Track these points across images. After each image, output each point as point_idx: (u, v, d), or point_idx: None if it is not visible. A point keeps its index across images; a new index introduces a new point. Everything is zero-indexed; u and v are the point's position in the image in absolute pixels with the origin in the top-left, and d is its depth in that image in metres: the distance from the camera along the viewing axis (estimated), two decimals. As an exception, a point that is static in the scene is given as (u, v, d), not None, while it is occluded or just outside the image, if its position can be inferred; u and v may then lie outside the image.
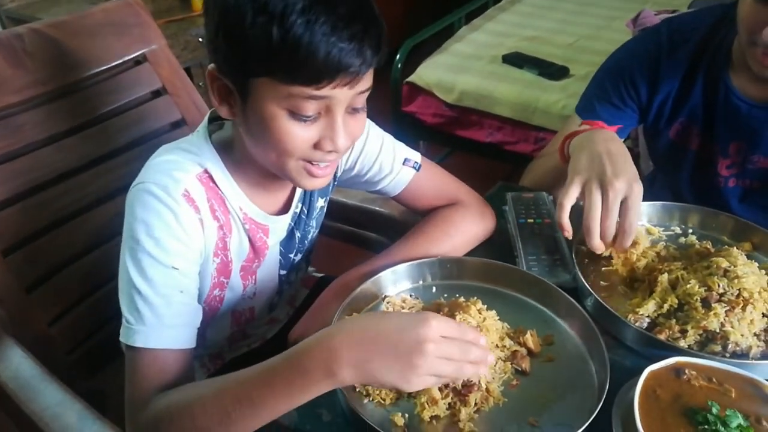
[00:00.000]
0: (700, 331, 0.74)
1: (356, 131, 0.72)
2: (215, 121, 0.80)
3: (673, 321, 0.76)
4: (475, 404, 0.67)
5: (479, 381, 0.67)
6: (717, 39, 1.00)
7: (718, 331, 0.73)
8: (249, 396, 0.61)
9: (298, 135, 0.67)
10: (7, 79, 0.93)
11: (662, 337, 0.74)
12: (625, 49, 1.11)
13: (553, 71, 2.26)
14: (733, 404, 0.63)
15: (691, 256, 0.87)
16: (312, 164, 0.71)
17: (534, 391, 0.70)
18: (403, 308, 0.80)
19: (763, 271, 0.81)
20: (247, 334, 0.98)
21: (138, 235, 0.68)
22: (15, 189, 0.92)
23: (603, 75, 1.11)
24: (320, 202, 0.93)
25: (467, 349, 0.61)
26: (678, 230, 0.96)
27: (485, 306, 0.76)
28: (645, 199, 0.83)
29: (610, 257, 0.88)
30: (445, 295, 0.83)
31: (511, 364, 0.72)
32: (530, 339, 0.74)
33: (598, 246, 0.82)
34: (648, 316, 0.78)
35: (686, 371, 0.66)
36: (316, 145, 0.69)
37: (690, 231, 0.95)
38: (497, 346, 0.73)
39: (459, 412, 0.66)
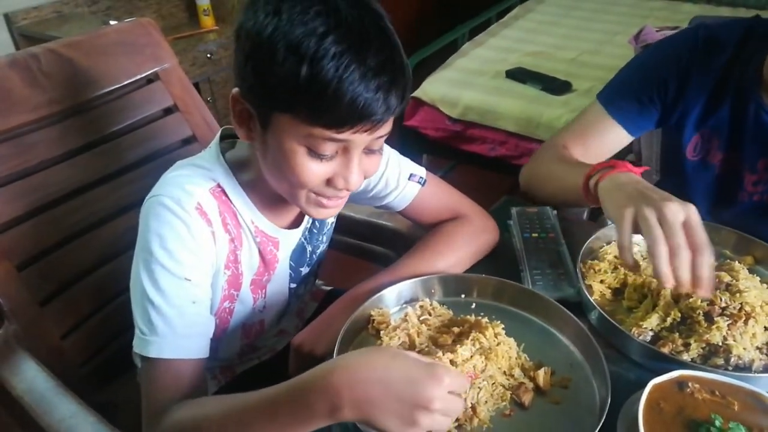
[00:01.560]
0: (703, 345, 0.75)
1: (370, 170, 0.73)
2: (227, 138, 0.82)
3: (677, 334, 0.77)
4: (457, 419, 0.66)
5: (465, 399, 0.66)
6: (746, 54, 0.99)
7: (720, 344, 0.74)
8: (251, 425, 0.61)
9: (313, 171, 0.68)
10: (24, 98, 0.95)
11: (665, 350, 0.75)
12: (659, 47, 1.09)
13: (556, 86, 2.29)
14: (736, 417, 0.64)
15: (694, 270, 0.88)
16: (323, 197, 0.72)
17: (525, 425, 0.69)
18: (431, 315, 0.80)
19: (765, 285, 0.82)
20: (256, 346, 1.00)
21: (151, 247, 0.70)
22: (30, 205, 0.94)
23: (633, 69, 1.10)
24: (330, 218, 0.95)
25: (460, 408, 0.60)
26: None
27: (503, 330, 0.76)
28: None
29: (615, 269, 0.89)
30: (481, 313, 0.82)
31: (512, 394, 0.71)
32: (541, 376, 0.72)
33: (663, 271, 0.71)
34: (651, 330, 0.79)
35: (689, 384, 0.67)
36: (329, 182, 0.70)
37: None
38: (504, 373, 0.73)
39: None
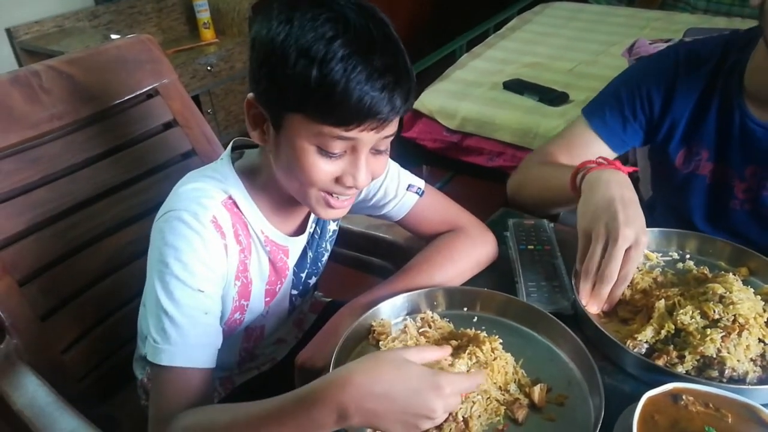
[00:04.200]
0: (698, 357, 0.75)
1: (377, 170, 0.76)
2: (237, 149, 0.85)
3: (671, 347, 0.77)
4: None
5: (456, 413, 0.68)
6: (728, 64, 1.02)
7: (715, 356, 0.74)
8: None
9: (323, 169, 0.72)
10: (25, 114, 0.96)
11: (660, 362, 0.75)
12: (643, 63, 1.13)
13: (553, 97, 2.31)
14: (730, 429, 0.64)
15: (689, 281, 0.89)
16: (331, 196, 0.75)
17: None
18: (431, 327, 0.81)
19: (759, 297, 0.83)
20: (255, 354, 1.01)
21: (167, 259, 0.72)
22: (31, 220, 0.95)
23: (619, 84, 1.12)
24: (332, 226, 0.97)
25: (458, 400, 0.65)
26: (676, 256, 0.98)
27: (501, 345, 0.76)
28: (646, 225, 0.85)
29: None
30: (482, 327, 0.83)
31: (506, 409, 0.71)
32: (536, 392, 0.72)
33: (586, 292, 0.84)
34: (646, 342, 0.79)
35: (683, 397, 0.67)
36: (338, 180, 0.73)
37: (687, 256, 0.97)
38: (499, 388, 0.73)
39: None
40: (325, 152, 0.70)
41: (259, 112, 0.73)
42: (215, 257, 0.75)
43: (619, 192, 0.86)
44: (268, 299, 0.88)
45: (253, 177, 0.81)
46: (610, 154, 1.10)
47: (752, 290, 0.84)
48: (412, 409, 0.60)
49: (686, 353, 0.76)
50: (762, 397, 0.70)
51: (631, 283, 0.88)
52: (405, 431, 0.61)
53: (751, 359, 0.75)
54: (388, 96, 0.67)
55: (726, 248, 0.96)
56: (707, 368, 0.75)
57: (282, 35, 0.66)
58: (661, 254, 0.98)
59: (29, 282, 0.93)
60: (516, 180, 1.17)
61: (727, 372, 0.74)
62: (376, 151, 0.74)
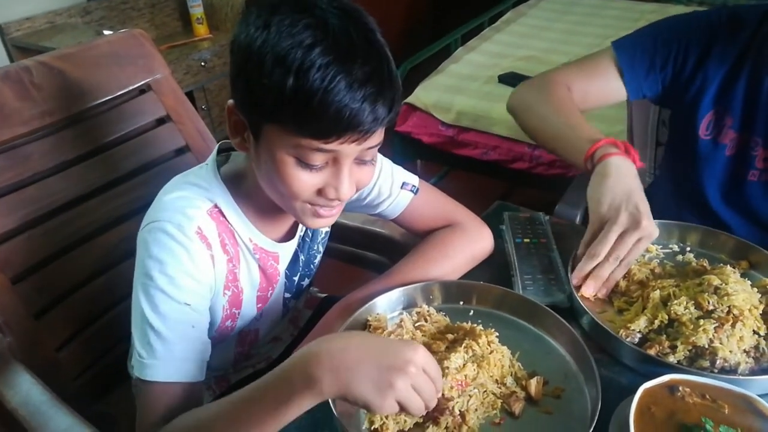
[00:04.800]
0: (690, 347, 0.75)
1: (363, 181, 0.73)
2: (223, 152, 0.83)
3: (664, 337, 0.77)
4: (446, 428, 0.67)
5: (453, 407, 0.67)
6: (763, 32, 1.00)
7: (707, 347, 0.74)
8: (239, 416, 0.63)
9: (304, 181, 0.69)
10: (16, 111, 0.95)
11: (652, 352, 0.75)
12: (686, 16, 1.09)
13: (549, 90, 2.30)
14: (726, 420, 0.64)
15: (687, 273, 0.89)
16: (317, 207, 0.73)
17: None
18: (427, 321, 0.81)
19: (755, 289, 0.82)
20: (250, 354, 1.00)
21: (152, 272, 0.70)
22: (23, 218, 0.94)
23: (658, 29, 1.09)
24: (325, 228, 0.96)
25: (433, 393, 0.62)
26: (676, 248, 0.97)
27: (497, 338, 0.76)
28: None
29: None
30: (478, 321, 0.82)
31: (503, 403, 0.71)
32: (533, 385, 0.72)
33: (584, 274, 0.85)
34: (639, 332, 0.79)
35: (680, 388, 0.67)
36: (320, 192, 0.71)
37: (688, 249, 0.97)
38: (496, 381, 0.73)
39: (428, 428, 0.67)
40: (305, 164, 0.67)
41: (239, 120, 0.71)
42: (202, 269, 0.73)
43: (636, 183, 0.87)
44: (260, 305, 0.87)
45: (238, 183, 0.79)
46: (622, 95, 1.09)
47: (749, 282, 0.84)
48: (386, 360, 0.59)
49: (678, 343, 0.76)
50: (758, 388, 0.70)
51: (628, 273, 0.88)
52: (375, 389, 0.58)
53: (744, 350, 0.75)
54: (369, 107, 0.63)
55: (728, 241, 0.95)
56: (699, 358, 0.75)
57: (259, 41, 0.63)
58: (660, 246, 0.97)
59: (22, 280, 0.92)
60: (519, 101, 1.13)
61: (718, 362, 0.74)
62: (360, 162, 0.71)
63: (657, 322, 0.79)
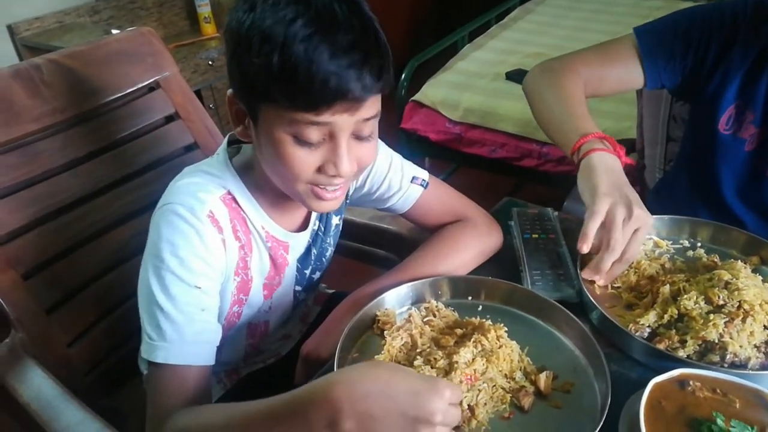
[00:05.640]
0: (700, 342, 0.75)
1: (364, 158, 0.73)
2: (233, 144, 0.83)
3: (673, 331, 0.77)
4: None
5: (461, 401, 0.66)
6: None
7: (716, 341, 0.74)
8: None
9: (303, 159, 0.69)
10: (27, 108, 0.96)
11: (661, 346, 0.75)
12: (712, 6, 1.07)
13: (556, 87, 2.29)
14: (738, 415, 0.64)
15: (698, 269, 0.88)
16: (320, 188, 0.73)
17: (523, 428, 0.68)
18: (435, 316, 0.81)
19: (767, 285, 0.82)
20: (261, 349, 1.00)
21: (163, 254, 0.71)
22: (35, 214, 0.95)
23: (681, 18, 1.07)
24: (335, 220, 0.96)
25: (457, 420, 0.59)
26: (687, 243, 0.97)
27: (506, 333, 0.76)
28: (652, 212, 0.85)
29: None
30: (487, 316, 0.82)
31: (512, 397, 0.71)
32: (542, 380, 0.72)
33: (594, 267, 0.84)
34: (649, 326, 0.79)
35: (691, 383, 0.67)
36: (321, 170, 0.71)
37: (699, 244, 0.96)
38: (505, 376, 0.73)
39: None
40: (302, 141, 0.68)
41: (240, 108, 0.72)
42: (213, 252, 0.73)
43: (622, 177, 0.87)
44: (266, 292, 0.88)
45: (249, 172, 0.80)
46: (639, 83, 1.07)
47: (761, 278, 0.83)
48: (412, 411, 0.54)
49: (688, 338, 0.75)
50: (770, 383, 0.69)
51: (638, 268, 0.88)
52: None
53: (755, 345, 0.75)
54: (356, 74, 0.63)
55: (740, 237, 0.95)
56: (709, 353, 0.75)
57: (247, 23, 0.65)
58: (671, 242, 0.97)
59: (33, 276, 0.93)
60: (536, 83, 1.14)
61: (728, 357, 0.73)
62: (358, 137, 0.70)
63: (666, 317, 0.78)
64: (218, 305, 0.77)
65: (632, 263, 0.88)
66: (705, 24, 1.04)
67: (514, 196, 1.14)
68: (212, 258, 0.73)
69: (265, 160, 0.74)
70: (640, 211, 0.82)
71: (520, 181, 2.58)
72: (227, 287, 0.80)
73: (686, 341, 0.75)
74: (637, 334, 0.78)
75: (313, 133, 0.67)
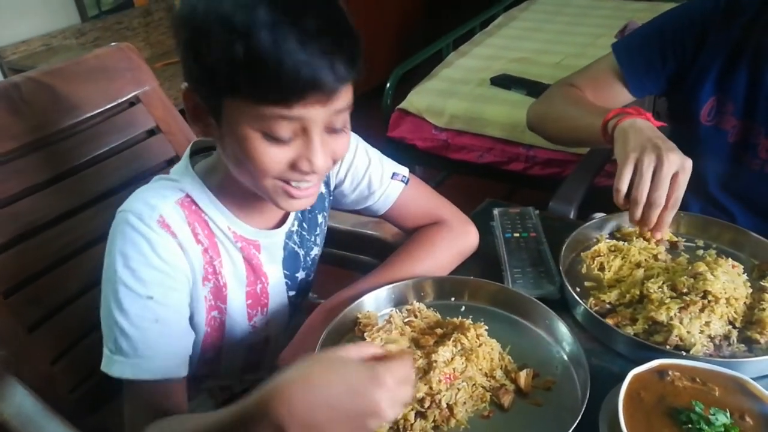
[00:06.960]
0: (650, 322, 0.76)
1: (338, 151, 0.69)
2: (203, 152, 0.82)
3: (629, 310, 0.79)
4: (434, 421, 0.67)
5: (440, 400, 0.66)
6: (765, 18, 1.00)
7: (665, 323, 0.75)
8: None
9: (273, 156, 0.65)
10: (6, 126, 0.96)
11: (611, 322, 0.77)
12: (682, 8, 1.10)
13: (541, 90, 2.27)
14: (717, 402, 0.64)
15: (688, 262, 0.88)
16: (290, 185, 0.69)
17: (503, 427, 0.68)
18: (416, 317, 0.80)
19: (749, 284, 0.82)
20: (260, 366, 0.97)
21: (116, 267, 0.69)
22: (15, 231, 0.94)
23: (654, 26, 1.11)
24: (319, 218, 0.93)
25: (410, 395, 0.57)
26: (701, 243, 0.96)
27: (486, 332, 0.76)
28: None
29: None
30: (469, 316, 0.82)
31: (492, 395, 0.71)
32: (522, 378, 0.72)
33: (638, 216, 0.84)
34: (609, 303, 0.81)
35: (670, 372, 0.67)
36: (294, 166, 0.66)
37: (713, 246, 0.94)
38: (485, 374, 0.72)
39: (416, 422, 0.66)
40: (272, 138, 0.63)
41: (197, 104, 0.67)
42: (167, 259, 0.71)
43: (654, 133, 0.87)
44: (250, 301, 0.85)
45: (212, 174, 0.77)
46: (628, 98, 1.10)
47: (745, 277, 0.83)
48: (355, 411, 0.52)
49: (639, 316, 0.77)
50: (748, 371, 0.69)
51: (627, 254, 0.89)
52: None
53: (710, 336, 0.75)
54: (328, 62, 0.59)
55: (759, 244, 0.91)
56: (655, 333, 0.76)
57: (200, 8, 0.59)
58: (685, 239, 0.96)
59: (15, 293, 0.92)
60: (539, 111, 1.18)
61: (671, 339, 0.74)
62: (331, 130, 0.66)
63: (628, 297, 0.80)
64: (185, 313, 0.75)
65: (622, 251, 0.89)
66: (675, 26, 1.07)
67: (495, 198, 1.14)
68: (167, 265, 0.71)
69: (230, 158, 0.69)
70: (673, 155, 0.82)
71: (512, 186, 2.59)
72: (198, 293, 0.77)
73: (637, 320, 0.77)
74: (596, 309, 0.79)
75: (284, 129, 0.63)
